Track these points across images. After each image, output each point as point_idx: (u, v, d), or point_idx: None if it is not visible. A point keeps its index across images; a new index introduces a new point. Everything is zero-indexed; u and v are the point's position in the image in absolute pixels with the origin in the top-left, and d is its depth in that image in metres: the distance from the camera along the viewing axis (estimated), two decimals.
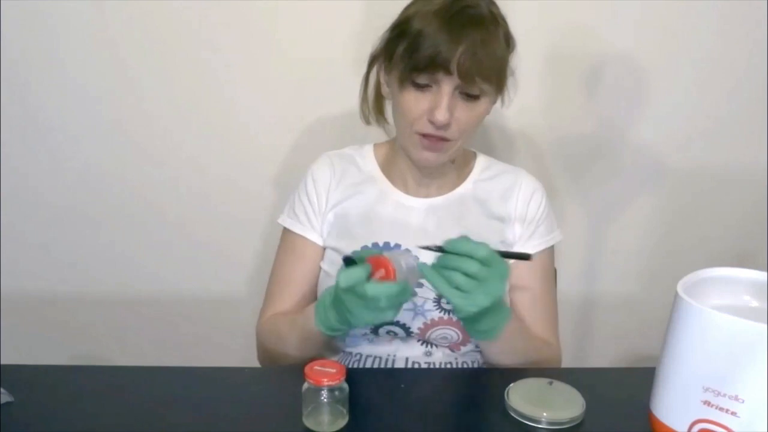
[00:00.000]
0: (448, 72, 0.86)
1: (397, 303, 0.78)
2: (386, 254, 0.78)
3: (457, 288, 0.76)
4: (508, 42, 0.93)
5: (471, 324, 0.83)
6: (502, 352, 0.92)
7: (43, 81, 1.28)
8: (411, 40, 0.88)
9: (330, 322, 0.85)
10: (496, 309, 0.82)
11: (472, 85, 0.87)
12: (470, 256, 0.76)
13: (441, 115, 0.87)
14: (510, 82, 0.97)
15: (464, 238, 0.78)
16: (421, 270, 0.79)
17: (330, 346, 1.02)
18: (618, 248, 1.44)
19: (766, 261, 1.41)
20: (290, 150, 1.33)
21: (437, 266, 0.78)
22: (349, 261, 0.78)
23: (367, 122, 1.05)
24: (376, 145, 1.08)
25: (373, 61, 0.98)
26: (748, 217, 1.41)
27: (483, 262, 0.76)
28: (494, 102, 0.96)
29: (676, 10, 1.26)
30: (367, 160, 1.06)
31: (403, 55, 0.89)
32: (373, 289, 0.75)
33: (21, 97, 1.29)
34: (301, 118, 1.32)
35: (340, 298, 0.80)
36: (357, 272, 0.76)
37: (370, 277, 0.76)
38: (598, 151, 1.36)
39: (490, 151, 1.33)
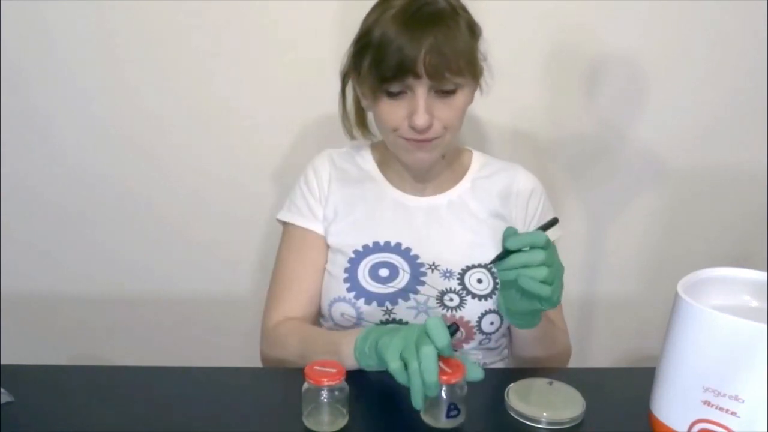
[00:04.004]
0: (417, 75, 0.86)
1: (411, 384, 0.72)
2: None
3: (544, 281, 0.75)
4: (473, 30, 0.92)
5: (523, 316, 0.83)
6: (538, 339, 0.92)
7: (43, 81, 1.28)
8: (374, 52, 0.87)
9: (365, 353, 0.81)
10: None
11: (444, 82, 0.87)
12: (532, 248, 0.74)
13: (420, 120, 0.87)
14: (485, 67, 0.96)
15: (514, 233, 0.76)
16: (508, 276, 0.76)
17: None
18: (618, 248, 1.44)
19: (766, 261, 1.41)
20: (289, 149, 1.33)
21: (504, 268, 0.76)
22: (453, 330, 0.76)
23: (351, 137, 1.05)
24: (373, 145, 1.09)
25: (345, 77, 0.98)
26: (748, 217, 1.41)
27: (544, 248, 0.75)
28: (474, 90, 0.95)
29: (676, 10, 1.26)
30: (366, 159, 1.07)
31: (370, 68, 0.89)
32: (426, 358, 0.70)
33: (21, 97, 1.29)
34: (301, 118, 1.32)
35: (389, 331, 0.77)
36: (445, 339, 0.72)
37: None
38: (598, 151, 1.36)
39: (490, 151, 1.33)
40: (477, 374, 0.75)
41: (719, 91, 1.33)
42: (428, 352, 0.71)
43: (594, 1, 1.25)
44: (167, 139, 1.32)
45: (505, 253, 0.76)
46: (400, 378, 0.73)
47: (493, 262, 0.78)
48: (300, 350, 0.92)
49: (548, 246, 0.76)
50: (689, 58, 1.30)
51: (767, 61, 1.30)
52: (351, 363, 0.82)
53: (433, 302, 0.95)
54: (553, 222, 0.81)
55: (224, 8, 1.23)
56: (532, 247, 0.75)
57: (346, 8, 1.24)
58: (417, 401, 0.72)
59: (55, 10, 1.23)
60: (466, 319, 0.95)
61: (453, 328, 0.74)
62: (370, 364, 0.80)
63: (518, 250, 0.75)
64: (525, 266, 0.74)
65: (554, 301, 0.78)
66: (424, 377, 0.70)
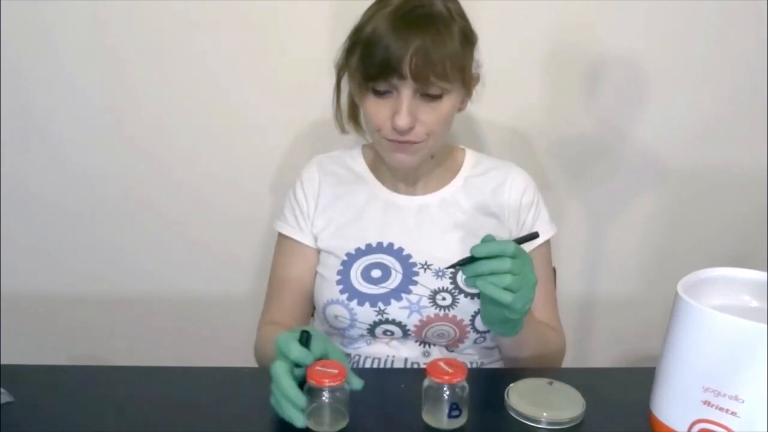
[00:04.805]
0: (402, 76, 0.86)
1: (288, 406, 0.73)
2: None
3: (508, 288, 0.75)
4: (467, 37, 0.92)
5: (501, 324, 0.84)
6: (522, 344, 0.92)
7: (43, 81, 1.28)
8: (363, 48, 0.88)
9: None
10: None
11: (429, 85, 0.87)
12: (500, 256, 0.75)
13: (401, 121, 0.87)
14: (478, 75, 0.97)
15: (487, 241, 0.77)
16: (470, 283, 0.77)
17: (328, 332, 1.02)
18: (618, 248, 1.44)
19: (766, 261, 1.41)
20: (289, 150, 1.33)
21: (471, 275, 0.77)
22: (306, 340, 0.75)
23: (343, 131, 1.05)
24: (364, 146, 1.09)
25: (339, 71, 0.98)
26: (748, 217, 1.41)
27: (513, 257, 0.75)
28: (462, 98, 0.95)
29: (676, 11, 1.26)
30: (357, 160, 1.07)
31: (358, 63, 0.89)
32: (276, 377, 0.73)
33: (21, 97, 1.29)
34: (300, 118, 1.32)
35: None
36: (295, 350, 0.73)
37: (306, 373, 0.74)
38: (598, 151, 1.36)
39: (490, 151, 1.33)
40: (356, 384, 0.76)
41: (719, 91, 1.33)
42: (276, 370, 0.73)
43: (594, 1, 1.25)
44: (167, 139, 1.32)
45: (471, 260, 0.77)
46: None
47: (456, 266, 0.79)
48: (266, 356, 0.93)
49: (517, 255, 0.76)
50: (689, 58, 1.30)
51: (767, 61, 1.30)
52: None
53: (425, 301, 0.95)
54: (532, 236, 0.82)
55: (224, 8, 1.23)
56: (500, 256, 0.75)
57: (347, 8, 1.23)
58: (294, 419, 0.72)
59: (55, 10, 1.23)
60: (459, 317, 0.95)
61: (304, 335, 0.75)
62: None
63: (486, 258, 0.76)
64: (492, 273, 0.75)
65: (519, 310, 0.78)
66: (286, 395, 0.72)
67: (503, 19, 1.24)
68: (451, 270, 0.96)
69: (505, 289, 0.75)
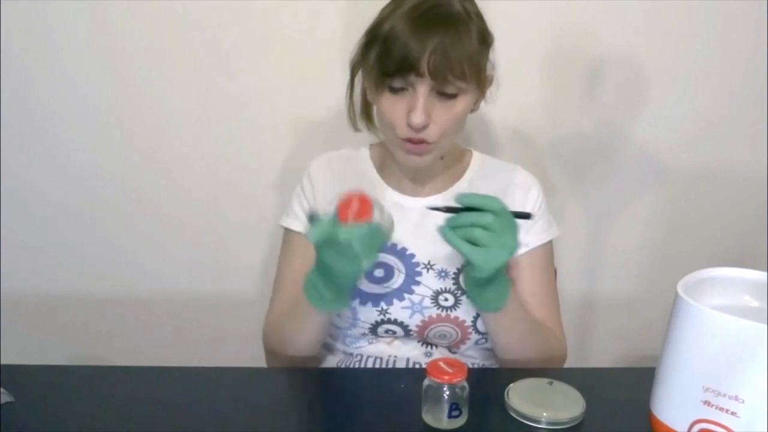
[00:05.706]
0: (419, 74, 0.86)
1: (371, 245, 0.77)
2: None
3: (474, 243, 0.76)
4: (484, 38, 0.92)
5: (479, 292, 0.85)
6: (510, 328, 0.92)
7: (43, 81, 1.28)
8: (381, 45, 0.88)
9: (320, 292, 0.85)
10: (502, 274, 0.84)
11: (446, 84, 0.87)
12: (483, 210, 0.76)
13: (417, 118, 0.87)
14: (492, 77, 0.97)
15: (474, 194, 0.78)
16: (438, 231, 0.79)
17: (330, 329, 1.00)
18: (618, 248, 1.44)
19: (766, 261, 1.41)
20: (292, 151, 1.33)
21: (452, 225, 0.78)
22: (313, 218, 0.78)
23: (356, 129, 1.05)
24: (371, 146, 1.09)
25: (354, 68, 0.98)
26: (748, 217, 1.41)
27: (496, 214, 0.76)
28: (476, 99, 0.95)
29: (676, 10, 1.26)
30: (364, 160, 1.07)
31: (375, 60, 0.89)
32: (345, 233, 0.74)
33: (21, 97, 1.28)
34: (303, 120, 1.32)
35: (319, 260, 0.81)
36: (325, 223, 0.76)
37: (340, 224, 0.76)
38: (598, 151, 1.36)
39: (491, 151, 1.33)
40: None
41: (719, 91, 1.33)
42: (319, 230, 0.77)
43: (594, 1, 1.25)
44: (168, 139, 1.32)
45: (456, 210, 0.78)
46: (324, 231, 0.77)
47: (438, 209, 0.80)
48: (282, 337, 0.96)
49: (501, 215, 0.77)
50: (689, 58, 1.30)
51: (767, 61, 1.30)
52: (310, 309, 0.87)
53: (427, 302, 0.95)
54: (525, 215, 0.83)
55: (224, 8, 1.23)
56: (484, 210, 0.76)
57: (348, 7, 1.24)
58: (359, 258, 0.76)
59: (55, 10, 1.23)
60: (461, 318, 0.95)
61: (310, 217, 0.79)
62: (316, 290, 0.85)
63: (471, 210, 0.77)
64: (472, 225, 0.76)
65: (478, 265, 0.78)
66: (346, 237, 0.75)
67: (503, 19, 1.23)
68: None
69: (469, 242, 0.76)
